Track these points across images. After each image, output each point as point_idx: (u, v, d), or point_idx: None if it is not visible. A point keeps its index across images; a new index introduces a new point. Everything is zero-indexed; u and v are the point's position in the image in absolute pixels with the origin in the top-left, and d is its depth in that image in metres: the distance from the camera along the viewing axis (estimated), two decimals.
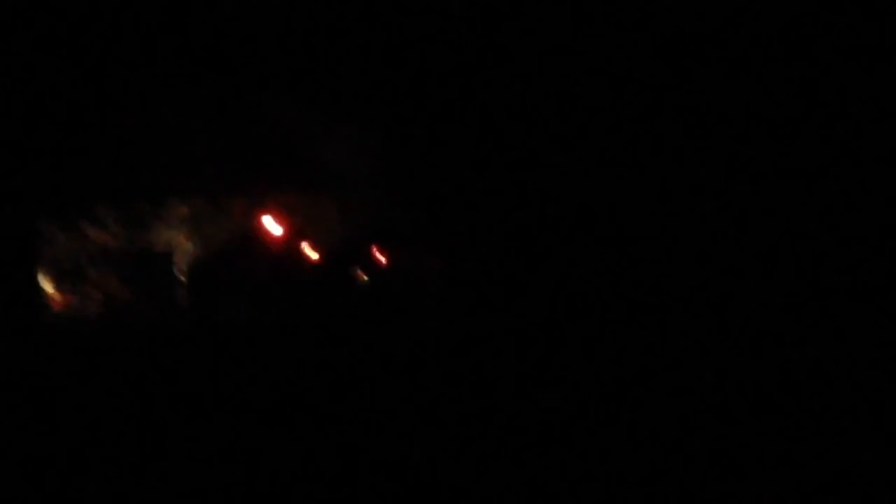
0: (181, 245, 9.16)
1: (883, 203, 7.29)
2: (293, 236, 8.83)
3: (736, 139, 7.81)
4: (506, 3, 8.00)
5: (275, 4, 8.34)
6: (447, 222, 8.50)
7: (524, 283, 8.34)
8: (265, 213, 8.84)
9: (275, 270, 8.86)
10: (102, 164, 9.09)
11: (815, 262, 7.31)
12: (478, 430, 6.82)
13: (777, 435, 4.76)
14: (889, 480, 4.10)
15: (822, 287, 7.07)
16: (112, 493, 6.02)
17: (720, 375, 6.27)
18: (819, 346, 6.18)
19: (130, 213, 9.16)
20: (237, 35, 8.52)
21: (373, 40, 8.28)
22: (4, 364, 8.28)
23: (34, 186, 9.01)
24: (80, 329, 9.20)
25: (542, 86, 8.00)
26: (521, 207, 8.36)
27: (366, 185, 8.70)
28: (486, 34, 8.15)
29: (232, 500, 5.76)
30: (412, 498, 5.48)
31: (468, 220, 8.44)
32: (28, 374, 8.25)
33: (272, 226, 8.80)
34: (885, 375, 5.44)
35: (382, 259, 8.68)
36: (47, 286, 9.21)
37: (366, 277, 8.72)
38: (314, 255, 8.80)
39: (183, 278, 9.09)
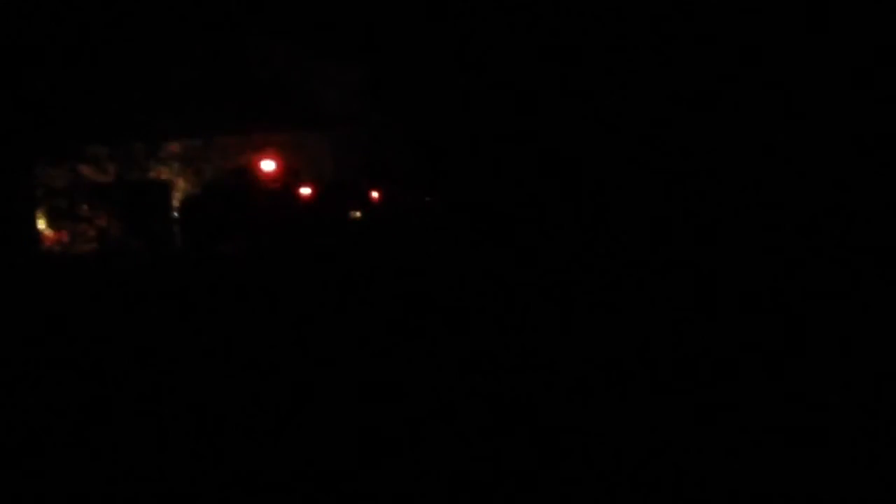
0: (174, 182, 9.32)
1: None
2: (286, 174, 9.01)
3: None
4: None
5: None
6: (439, 159, 8.67)
7: (513, 221, 8.50)
8: (259, 150, 9.01)
9: (268, 207, 9.03)
10: (96, 103, 9.14)
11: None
12: (468, 364, 6.89)
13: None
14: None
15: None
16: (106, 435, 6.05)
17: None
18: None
19: (124, 151, 9.27)
20: None
21: None
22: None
23: (28, 126, 9.03)
24: (72, 265, 9.28)
25: (539, 26, 8.10)
26: (511, 146, 8.50)
27: (359, 124, 8.89)
28: None
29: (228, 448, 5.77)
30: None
31: (460, 157, 8.61)
32: (22, 311, 8.24)
33: (266, 163, 8.98)
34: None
35: (375, 195, 8.88)
36: (41, 223, 9.30)
37: (358, 214, 8.93)
38: (307, 192, 9.00)
39: (176, 215, 9.26)
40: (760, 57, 7.93)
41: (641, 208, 8.01)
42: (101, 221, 9.36)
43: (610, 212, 8.16)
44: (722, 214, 8.09)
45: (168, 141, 9.23)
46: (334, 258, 8.86)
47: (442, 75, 8.54)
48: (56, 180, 9.28)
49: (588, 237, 8.03)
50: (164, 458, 4.86)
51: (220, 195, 9.17)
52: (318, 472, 4.68)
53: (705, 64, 8.00)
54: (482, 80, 8.42)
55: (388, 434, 5.14)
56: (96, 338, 8.15)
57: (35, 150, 9.18)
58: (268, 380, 6.53)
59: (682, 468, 4.33)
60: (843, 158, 7.79)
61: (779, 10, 7.82)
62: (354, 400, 5.78)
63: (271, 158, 9.12)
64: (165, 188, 9.24)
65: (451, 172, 8.72)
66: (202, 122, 9.15)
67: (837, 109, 7.79)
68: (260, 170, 9.14)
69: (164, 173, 9.33)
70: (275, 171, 9.14)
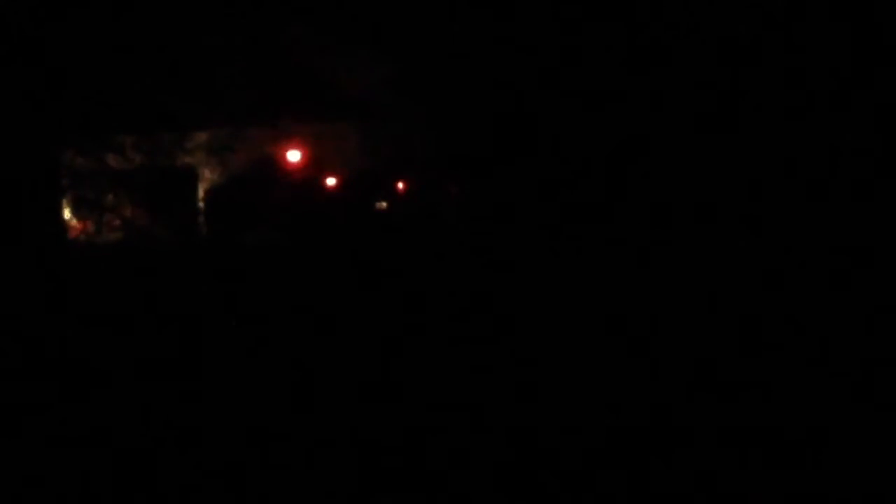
0: (201, 172, 9.33)
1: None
2: (313, 164, 9.03)
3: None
4: None
5: None
6: (466, 151, 8.68)
7: (538, 211, 8.52)
8: (286, 140, 9.02)
9: (293, 197, 9.05)
10: (123, 92, 9.14)
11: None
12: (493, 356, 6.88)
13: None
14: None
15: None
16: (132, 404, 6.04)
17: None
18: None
19: (151, 140, 9.27)
20: None
21: None
22: (29, 291, 8.23)
23: (56, 115, 9.02)
24: (97, 254, 9.29)
25: (571, 18, 8.09)
26: (538, 139, 8.51)
27: (387, 115, 8.89)
28: None
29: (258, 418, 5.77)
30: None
31: (486, 149, 8.62)
32: (49, 299, 8.23)
33: (291, 153, 8.98)
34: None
35: (400, 186, 8.90)
36: (66, 213, 9.31)
37: (384, 204, 8.95)
38: (333, 183, 9.02)
39: (201, 205, 9.27)
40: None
41: (672, 199, 8.03)
42: (126, 211, 9.37)
43: (640, 205, 8.17)
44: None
45: (195, 130, 9.24)
46: (359, 249, 8.89)
47: (471, 66, 8.54)
48: (82, 169, 9.28)
49: (617, 231, 8.06)
50: (194, 450, 4.89)
51: (245, 185, 9.19)
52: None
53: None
54: (511, 71, 8.42)
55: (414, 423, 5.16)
56: (122, 327, 8.16)
57: (62, 138, 9.16)
58: (289, 372, 6.55)
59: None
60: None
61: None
62: (376, 394, 5.80)
63: (297, 149, 9.12)
64: (192, 174, 9.23)
65: (479, 164, 8.74)
66: (230, 111, 9.15)
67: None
68: (286, 160, 9.15)
69: (190, 163, 9.32)
70: (301, 162, 9.16)
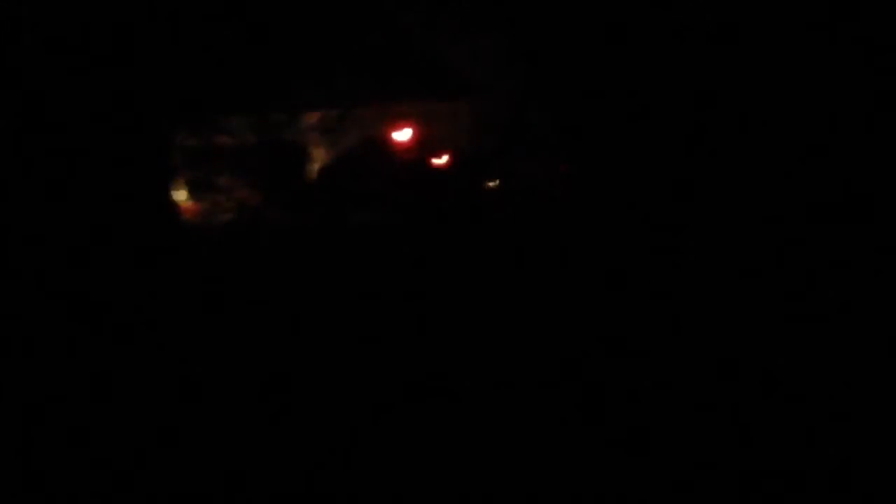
0: (313, 153, 9.43)
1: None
2: (423, 144, 9.03)
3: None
4: None
5: None
6: (577, 132, 8.57)
7: (655, 195, 8.33)
8: (395, 120, 9.04)
9: (404, 177, 9.06)
10: (235, 74, 9.25)
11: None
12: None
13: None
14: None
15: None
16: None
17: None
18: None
19: (263, 122, 9.39)
20: None
21: None
22: (142, 275, 8.33)
23: (169, 97, 9.16)
24: (211, 236, 9.44)
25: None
26: (654, 117, 8.33)
27: (498, 93, 8.84)
28: None
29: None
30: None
31: (598, 127, 8.49)
32: (163, 283, 8.33)
33: (402, 134, 9.00)
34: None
35: (512, 167, 8.83)
36: (181, 195, 9.47)
37: (493, 184, 8.90)
38: (443, 162, 9.01)
39: (314, 186, 9.35)
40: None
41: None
42: (238, 192, 9.49)
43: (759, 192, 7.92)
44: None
45: (307, 111, 9.32)
46: (467, 229, 8.85)
47: (585, 44, 8.41)
48: (194, 150, 9.44)
49: (731, 220, 7.82)
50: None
51: (355, 165, 9.24)
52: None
53: None
54: (624, 50, 8.27)
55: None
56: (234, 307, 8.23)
57: (174, 119, 9.30)
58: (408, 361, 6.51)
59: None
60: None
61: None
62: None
63: (407, 128, 9.13)
64: (304, 154, 9.31)
65: (592, 143, 8.60)
66: (340, 92, 9.22)
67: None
68: (395, 140, 9.16)
69: (302, 144, 9.42)
70: (410, 141, 9.15)
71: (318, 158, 9.39)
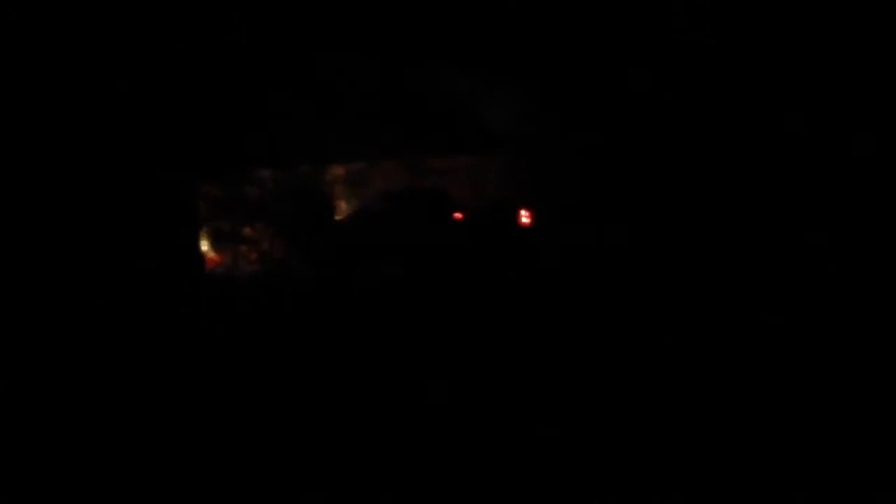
0: (336, 205, 9.46)
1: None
2: (448, 198, 9.04)
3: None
4: None
5: None
6: (596, 187, 8.57)
7: (663, 254, 8.29)
8: (420, 174, 9.07)
9: (426, 230, 9.06)
10: (262, 126, 9.35)
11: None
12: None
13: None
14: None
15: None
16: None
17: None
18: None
19: (288, 174, 9.46)
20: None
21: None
22: (165, 322, 8.34)
23: (195, 147, 9.23)
24: (233, 287, 9.46)
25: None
26: (672, 176, 8.34)
27: (524, 146, 8.85)
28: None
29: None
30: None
31: (619, 186, 8.49)
32: (185, 331, 8.33)
33: (428, 189, 9.03)
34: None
35: (528, 220, 8.80)
36: (204, 245, 9.51)
37: (511, 238, 8.86)
38: (462, 215, 9.00)
39: (336, 238, 9.36)
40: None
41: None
42: (263, 244, 9.54)
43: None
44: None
45: (332, 164, 9.40)
46: (485, 282, 8.81)
47: (611, 92, 8.46)
48: (220, 201, 9.51)
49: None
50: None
51: (378, 219, 9.27)
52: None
53: None
54: (648, 98, 8.31)
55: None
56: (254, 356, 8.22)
57: (201, 171, 9.36)
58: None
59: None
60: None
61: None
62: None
63: (432, 182, 9.18)
64: (329, 207, 9.36)
65: (611, 203, 8.60)
66: (367, 145, 9.28)
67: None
68: (421, 194, 9.20)
69: (326, 196, 9.48)
70: (436, 196, 9.19)
71: (343, 211, 9.43)
